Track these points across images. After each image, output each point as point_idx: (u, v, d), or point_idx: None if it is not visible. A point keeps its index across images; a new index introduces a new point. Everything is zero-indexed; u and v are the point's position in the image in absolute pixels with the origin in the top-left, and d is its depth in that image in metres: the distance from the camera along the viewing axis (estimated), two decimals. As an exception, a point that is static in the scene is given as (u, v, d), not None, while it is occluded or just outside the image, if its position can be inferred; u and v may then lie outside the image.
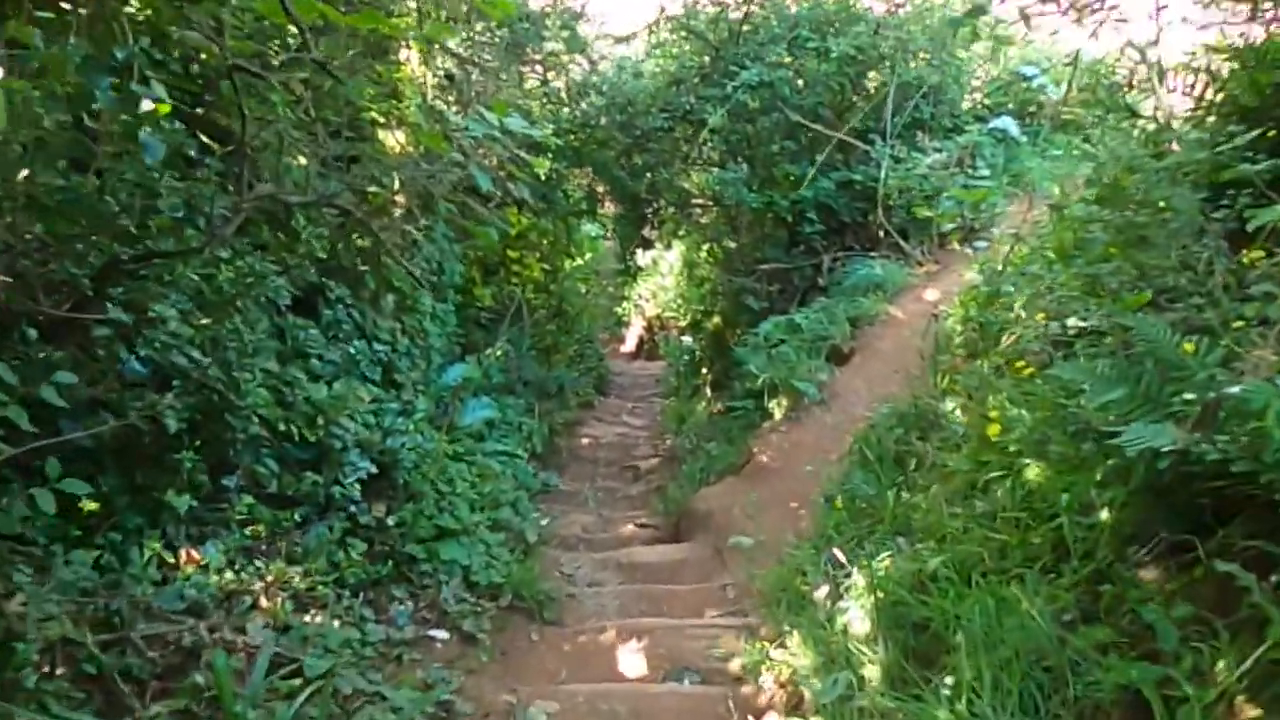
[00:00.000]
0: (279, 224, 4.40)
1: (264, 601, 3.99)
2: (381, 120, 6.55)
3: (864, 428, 5.88)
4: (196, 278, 3.95)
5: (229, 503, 4.23)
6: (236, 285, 4.20)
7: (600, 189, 10.66)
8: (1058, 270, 4.19)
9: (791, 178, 9.03)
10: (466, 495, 5.77)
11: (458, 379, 7.31)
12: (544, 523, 6.58)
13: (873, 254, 8.84)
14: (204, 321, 4.08)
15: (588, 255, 18.98)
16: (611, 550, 6.77)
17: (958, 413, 5.18)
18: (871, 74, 9.22)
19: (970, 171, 8.57)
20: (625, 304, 21.59)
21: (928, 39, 8.82)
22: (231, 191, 4.32)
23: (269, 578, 4.10)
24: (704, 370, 12.74)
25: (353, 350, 5.89)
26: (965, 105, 9.57)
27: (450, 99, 6.95)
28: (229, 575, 3.94)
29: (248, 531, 4.27)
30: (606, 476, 9.20)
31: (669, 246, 20.65)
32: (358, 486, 5.02)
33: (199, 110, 4.62)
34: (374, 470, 5.25)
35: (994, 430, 3.60)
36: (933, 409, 5.30)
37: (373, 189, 6.10)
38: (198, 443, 3.78)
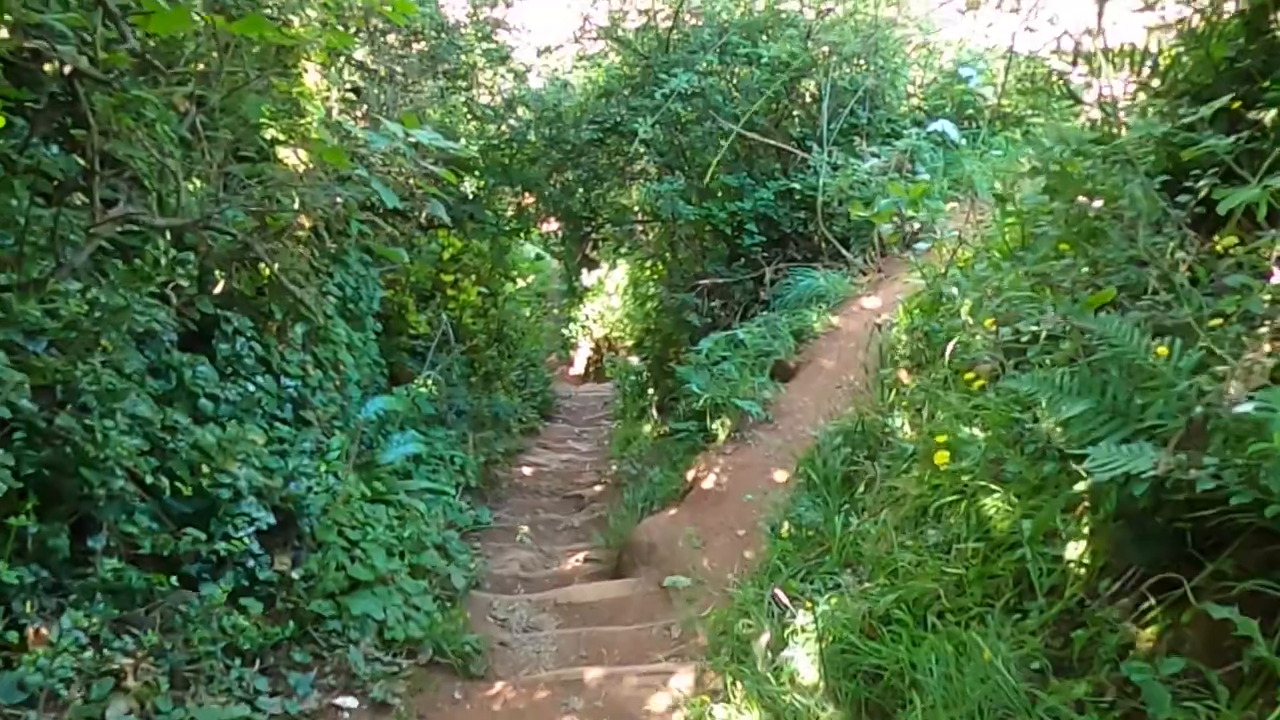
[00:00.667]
0: (132, 250, 3.91)
1: (131, 681, 3.47)
2: (282, 138, 6.09)
3: (810, 448, 5.52)
4: (38, 313, 3.45)
5: (93, 567, 3.72)
6: (93, 320, 3.70)
7: (535, 207, 10.26)
8: (1005, 270, 3.87)
9: (728, 188, 8.71)
10: (383, 540, 5.28)
11: (379, 412, 6.82)
12: (474, 565, 6.11)
13: (815, 264, 8.54)
14: (54, 362, 3.58)
15: (530, 277, 18.62)
16: (551, 589, 6.32)
17: (906, 428, 4.85)
18: (805, 80, 8.96)
19: (909, 176, 8.32)
20: (573, 325, 21.19)
21: (860, 43, 8.59)
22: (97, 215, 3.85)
23: (139, 652, 3.59)
24: (650, 391, 12.36)
25: (254, 387, 5.39)
26: (902, 110, 9.35)
27: (357, 114, 6.50)
28: (88, 654, 3.43)
29: (115, 599, 3.75)
30: (549, 508, 8.74)
31: (614, 266, 20.40)
32: (254, 539, 4.51)
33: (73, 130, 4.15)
34: (274, 520, 4.75)
35: (942, 457, 3.23)
36: (879, 426, 4.96)
37: (273, 211, 5.65)
38: (36, 503, 3.27)
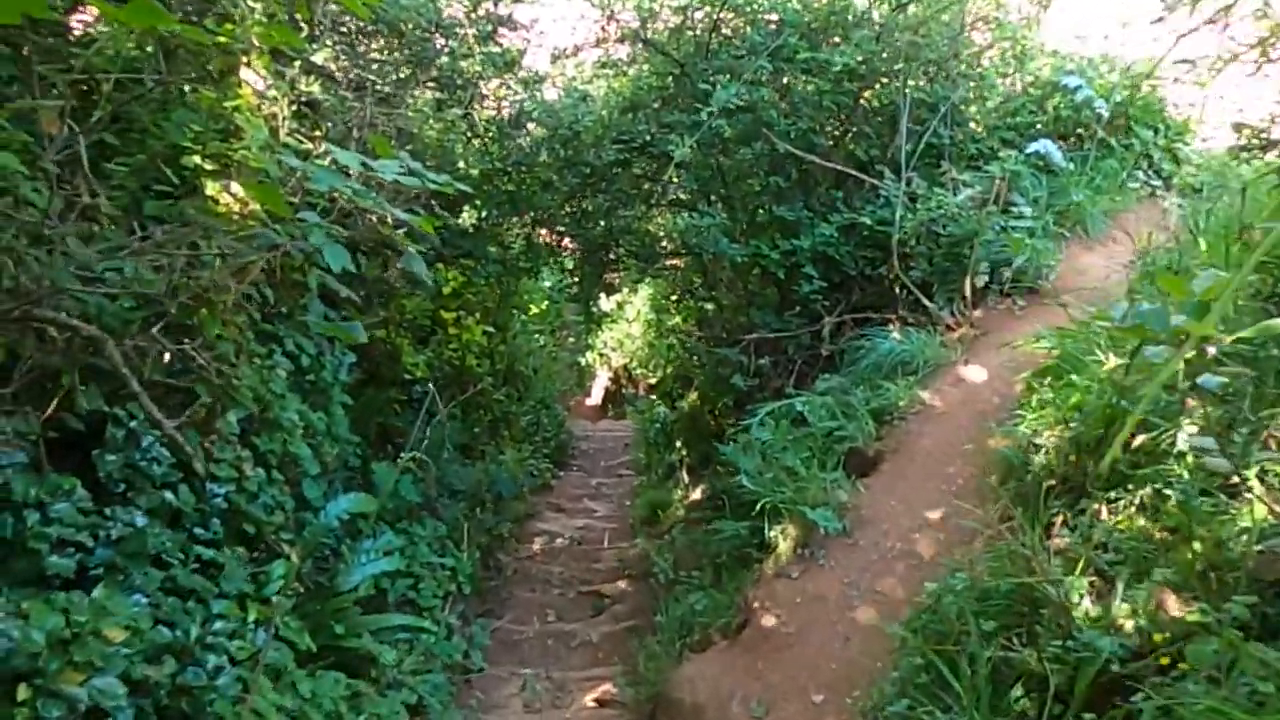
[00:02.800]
0: None
1: None
2: (208, 167, 4.61)
3: (918, 611, 3.95)
4: None
5: None
6: None
7: (547, 241, 8.74)
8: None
9: (781, 222, 7.18)
10: (328, 730, 3.77)
11: (342, 515, 5.31)
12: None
13: (887, 315, 6.98)
14: None
15: (544, 304, 17.12)
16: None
17: (1086, 604, 3.29)
18: (870, 91, 7.42)
19: (1007, 208, 6.77)
20: (589, 353, 19.68)
21: (947, 44, 7.04)
22: None
23: None
24: (679, 446, 10.81)
25: (163, 502, 3.90)
26: (983, 127, 7.79)
27: (316, 134, 5.01)
28: None
29: None
30: (560, 609, 7.20)
31: (635, 290, 18.87)
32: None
33: None
34: (158, 729, 3.26)
35: None
36: (1040, 594, 3.39)
37: (189, 261, 4.23)
38: None
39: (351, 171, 3.96)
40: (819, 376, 6.95)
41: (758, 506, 5.36)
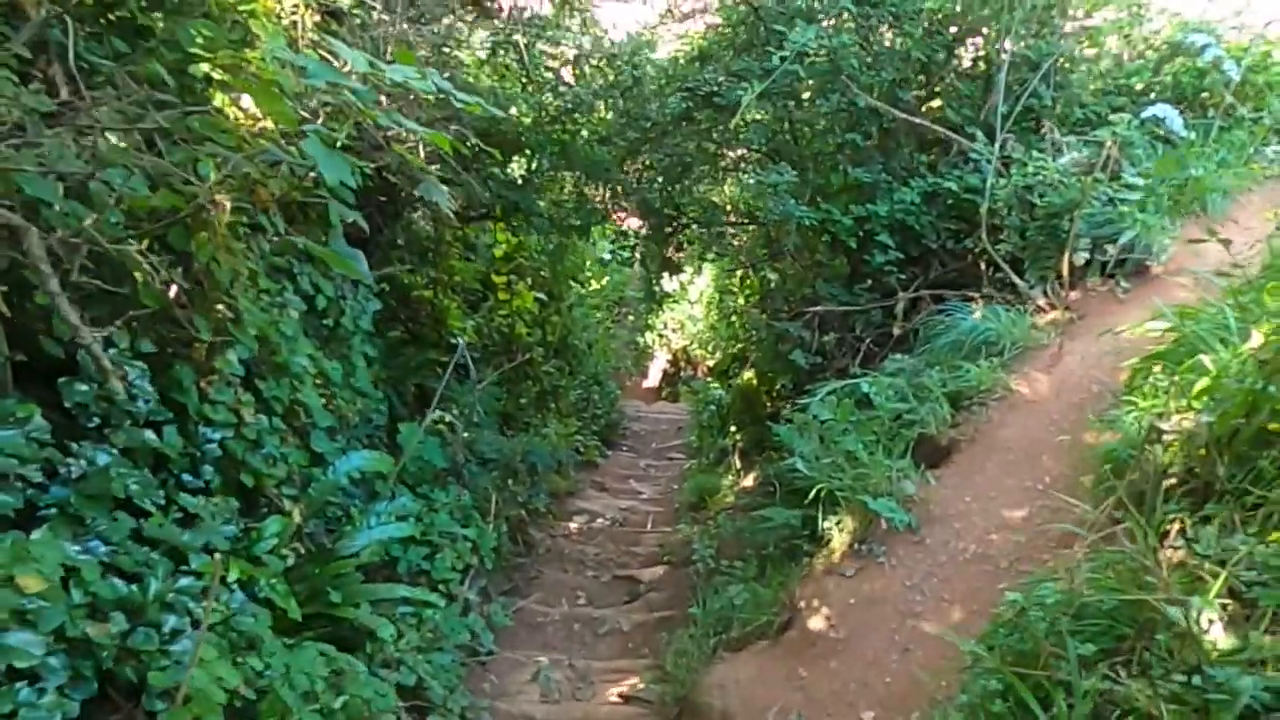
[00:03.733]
0: None
1: None
2: (219, 76, 4.17)
3: (996, 624, 3.31)
4: None
5: None
6: None
7: (603, 200, 8.19)
8: None
9: (856, 186, 6.51)
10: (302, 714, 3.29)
11: (354, 473, 4.85)
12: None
13: (970, 293, 6.28)
14: None
15: (604, 279, 16.62)
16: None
17: (1219, 632, 2.62)
18: (966, 45, 6.68)
19: (1115, 179, 5.99)
20: (649, 334, 19.14)
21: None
22: None
23: None
24: (733, 430, 10.20)
25: (143, 442, 3.48)
26: (1092, 89, 6.96)
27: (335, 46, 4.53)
28: None
29: None
30: (592, 594, 6.68)
31: (699, 271, 18.30)
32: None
33: None
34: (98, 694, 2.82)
35: None
36: (1159, 618, 2.72)
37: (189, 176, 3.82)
38: None
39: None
40: (889, 357, 6.30)
41: (811, 493, 4.75)
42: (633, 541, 8.03)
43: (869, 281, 6.58)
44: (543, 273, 11.22)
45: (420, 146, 5.19)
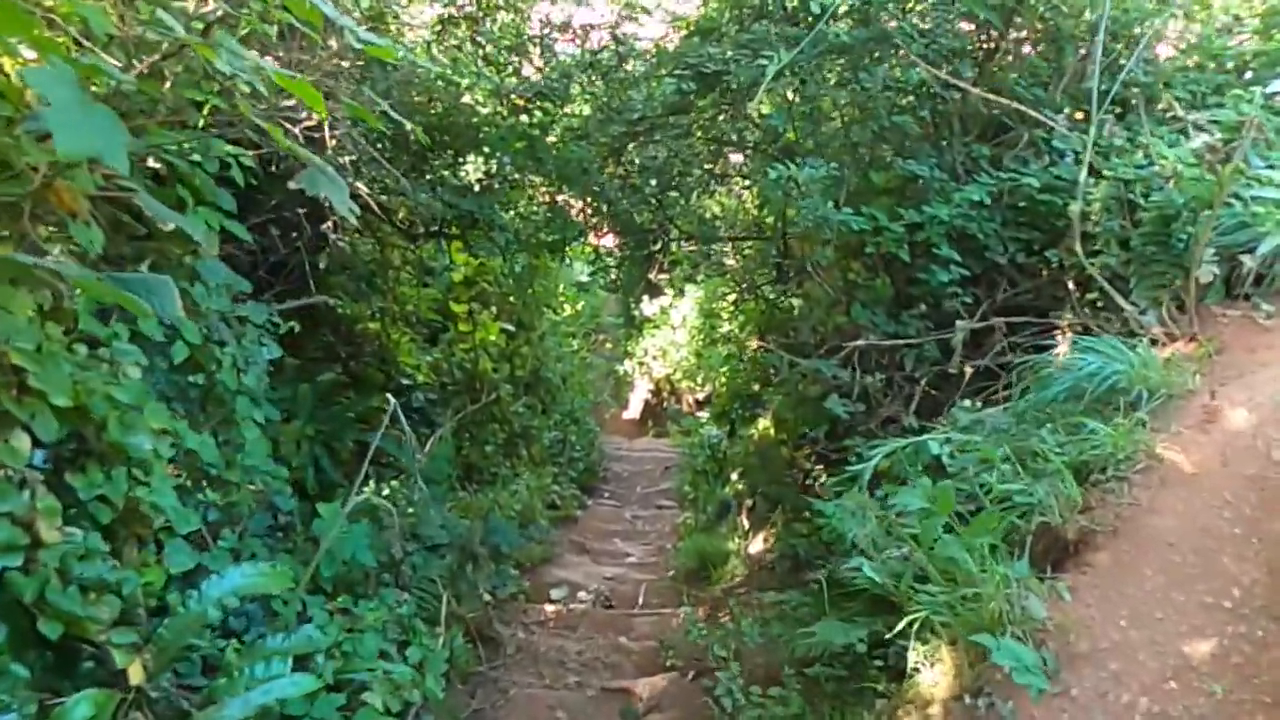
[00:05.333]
0: None
1: None
2: None
3: None
4: None
5: None
6: None
7: (582, 212, 6.75)
8: None
9: (901, 185, 5.14)
10: None
11: (231, 598, 3.34)
12: None
13: (1055, 320, 4.90)
14: None
15: (579, 304, 15.16)
16: None
17: None
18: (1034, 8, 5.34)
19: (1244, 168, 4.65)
20: (629, 362, 17.68)
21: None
22: None
23: None
24: (734, 479, 8.76)
25: None
26: (1188, 63, 5.63)
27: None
28: None
29: None
30: (575, 712, 5.16)
31: (681, 294, 16.92)
32: None
33: None
34: None
35: None
36: None
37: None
38: None
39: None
40: (954, 404, 4.90)
41: (906, 619, 3.29)
42: (624, 628, 6.52)
43: (922, 306, 5.18)
44: (510, 299, 9.75)
45: (328, 129, 3.73)
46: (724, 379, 13.25)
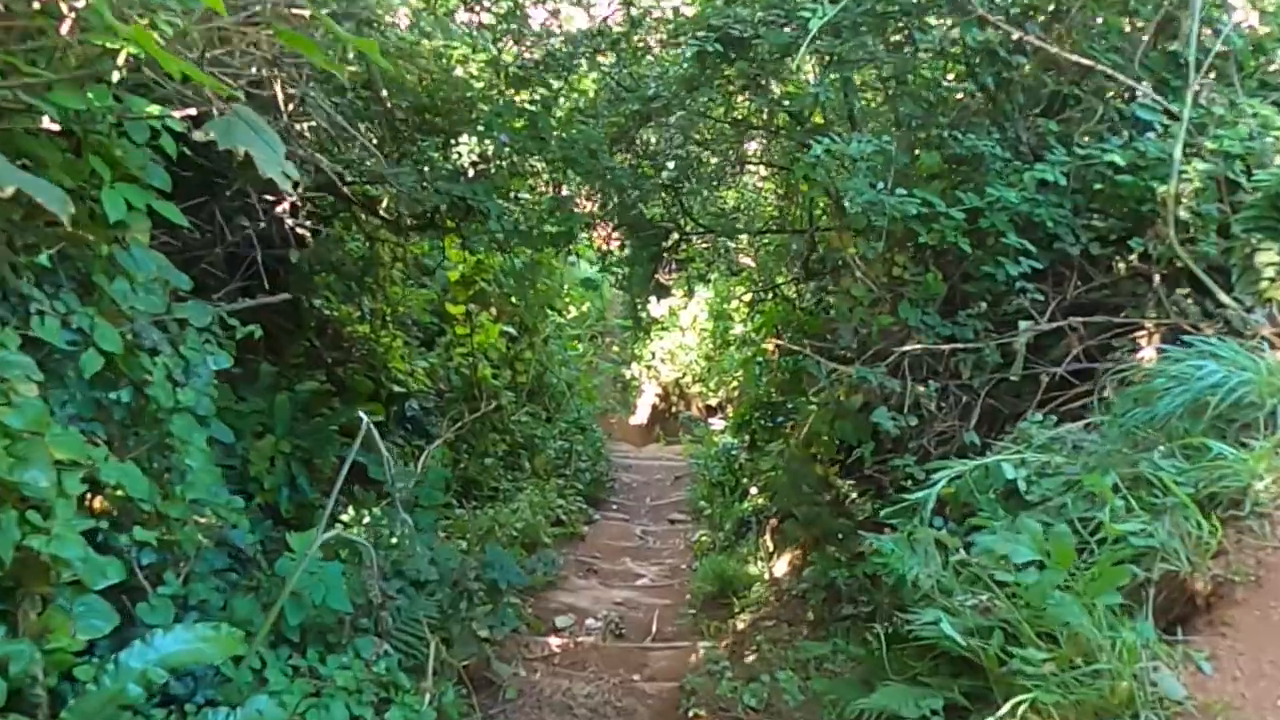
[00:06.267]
0: None
1: None
2: None
3: None
4: None
5: None
6: None
7: (586, 195, 6.08)
8: None
9: (954, 163, 4.47)
10: None
11: (158, 670, 2.68)
12: None
13: (1139, 319, 4.23)
14: None
15: (584, 305, 14.50)
16: None
17: None
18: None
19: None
20: (636, 366, 17.01)
21: None
22: None
23: None
24: (754, 493, 8.11)
25: None
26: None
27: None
28: None
29: None
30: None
31: (691, 294, 16.30)
32: None
33: None
34: None
35: None
36: None
37: None
38: None
39: None
40: (1018, 416, 4.25)
41: (967, 665, 2.63)
42: (637, 664, 5.86)
43: (983, 304, 4.51)
44: (513, 300, 9.09)
45: (279, 88, 3.08)
46: (738, 384, 12.59)
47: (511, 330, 8.78)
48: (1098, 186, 4.38)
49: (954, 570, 3.28)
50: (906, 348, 4.49)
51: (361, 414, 3.67)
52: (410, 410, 7.94)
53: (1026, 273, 4.21)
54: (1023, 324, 4.49)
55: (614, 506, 10.79)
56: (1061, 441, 3.79)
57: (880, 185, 4.13)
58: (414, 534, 4.16)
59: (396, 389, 7.68)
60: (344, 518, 4.37)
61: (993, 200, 4.26)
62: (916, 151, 4.46)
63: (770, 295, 8.62)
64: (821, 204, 5.42)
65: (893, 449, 4.60)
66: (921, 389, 4.46)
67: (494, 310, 8.42)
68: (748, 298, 10.03)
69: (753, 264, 9.41)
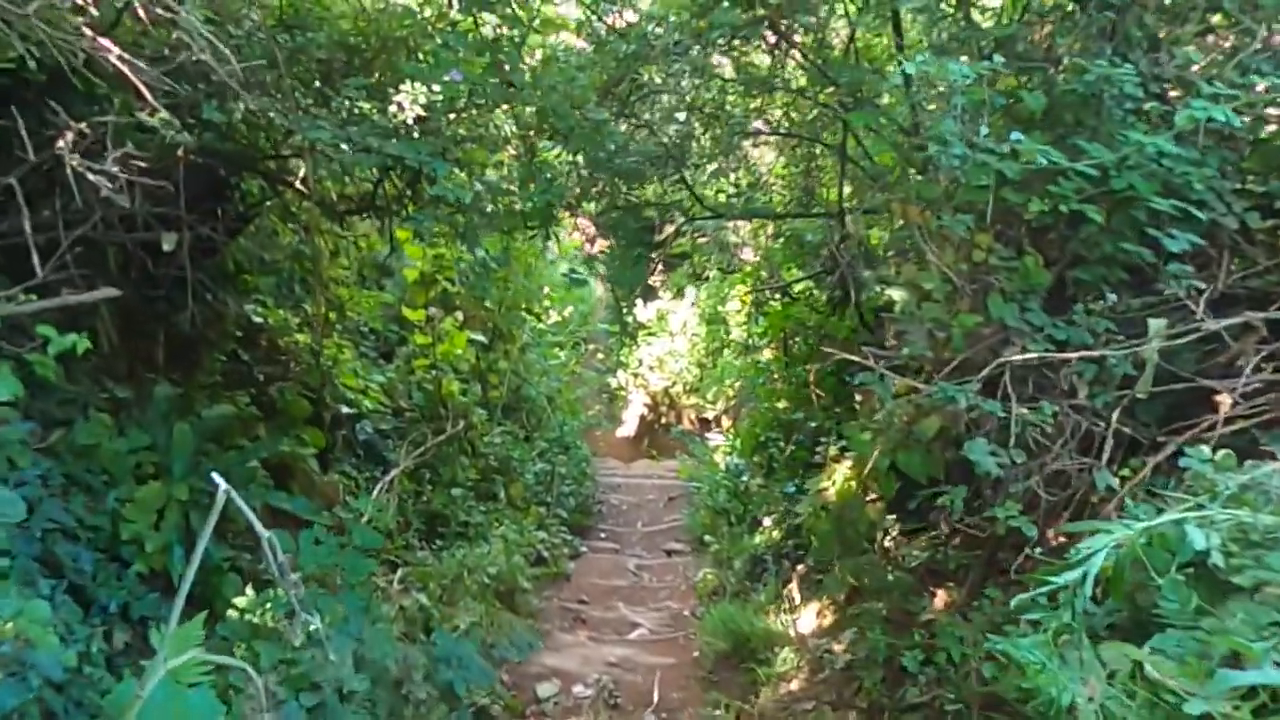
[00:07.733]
0: None
1: None
2: None
3: None
4: None
5: None
6: None
7: (565, 177, 4.88)
8: None
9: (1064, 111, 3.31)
10: None
11: None
12: None
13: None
14: None
15: (567, 309, 13.24)
16: None
17: None
18: None
19: None
20: (622, 372, 15.81)
21: None
22: None
23: None
24: (771, 531, 6.92)
25: None
26: None
27: None
28: None
29: None
30: None
31: (680, 294, 15.17)
32: None
33: None
34: None
35: None
36: None
37: None
38: None
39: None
40: (1159, 449, 3.12)
41: None
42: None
43: (1103, 299, 3.33)
44: (485, 304, 7.87)
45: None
46: (735, 395, 11.43)
47: (482, 338, 7.54)
48: (1262, 137, 3.22)
49: (1123, 691, 2.17)
50: (1005, 358, 3.31)
51: (216, 477, 2.43)
52: (363, 434, 6.73)
53: (1185, 251, 3.04)
54: (1153, 323, 3.32)
55: (602, 534, 9.57)
56: (1262, 490, 2.63)
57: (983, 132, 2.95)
58: (329, 630, 2.92)
59: (345, 410, 6.46)
60: (238, 602, 3.13)
61: (1123, 156, 3.10)
62: (1019, 92, 3.28)
63: (779, 295, 7.48)
64: (864, 170, 4.23)
65: (985, 490, 3.43)
66: (1027, 412, 3.28)
67: (460, 315, 7.18)
68: (749, 298, 8.88)
69: (756, 259, 8.28)
